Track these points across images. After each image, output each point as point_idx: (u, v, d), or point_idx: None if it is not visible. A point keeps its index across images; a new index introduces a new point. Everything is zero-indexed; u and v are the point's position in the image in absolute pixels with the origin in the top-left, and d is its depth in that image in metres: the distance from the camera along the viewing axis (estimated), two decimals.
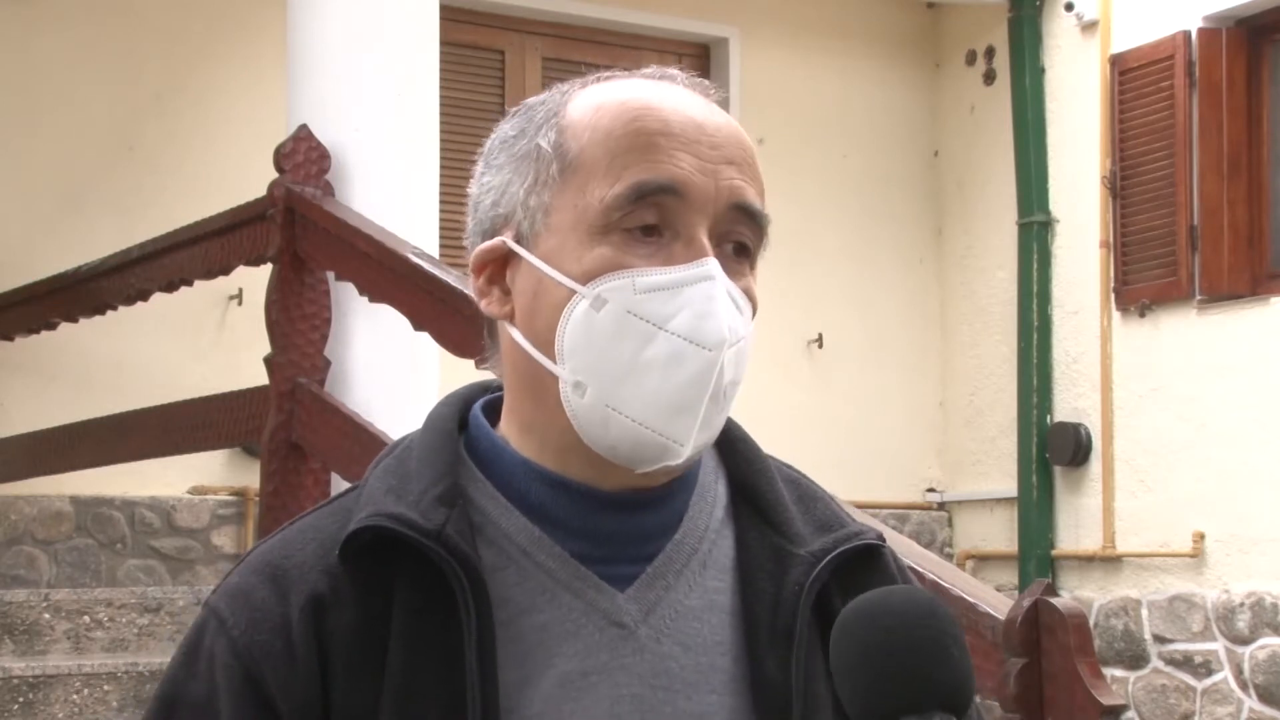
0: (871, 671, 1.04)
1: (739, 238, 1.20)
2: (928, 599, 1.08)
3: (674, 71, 1.24)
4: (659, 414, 1.15)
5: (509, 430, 1.24)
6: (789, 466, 1.33)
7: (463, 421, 1.27)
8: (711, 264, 1.16)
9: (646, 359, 1.15)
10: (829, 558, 1.22)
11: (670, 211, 1.17)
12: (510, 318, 1.22)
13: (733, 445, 1.29)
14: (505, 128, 1.25)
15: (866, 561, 1.26)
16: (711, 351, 1.15)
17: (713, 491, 1.26)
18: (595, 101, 1.20)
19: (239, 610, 1.17)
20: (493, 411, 1.28)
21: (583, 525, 1.20)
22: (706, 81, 1.25)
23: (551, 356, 1.18)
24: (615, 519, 1.20)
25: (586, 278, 1.16)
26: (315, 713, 1.14)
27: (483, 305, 1.24)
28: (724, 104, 1.24)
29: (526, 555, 1.19)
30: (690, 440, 1.16)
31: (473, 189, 1.26)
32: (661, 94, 1.20)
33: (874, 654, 1.04)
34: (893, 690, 1.03)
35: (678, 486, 1.23)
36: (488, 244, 1.23)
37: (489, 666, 1.14)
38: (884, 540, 1.29)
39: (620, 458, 1.17)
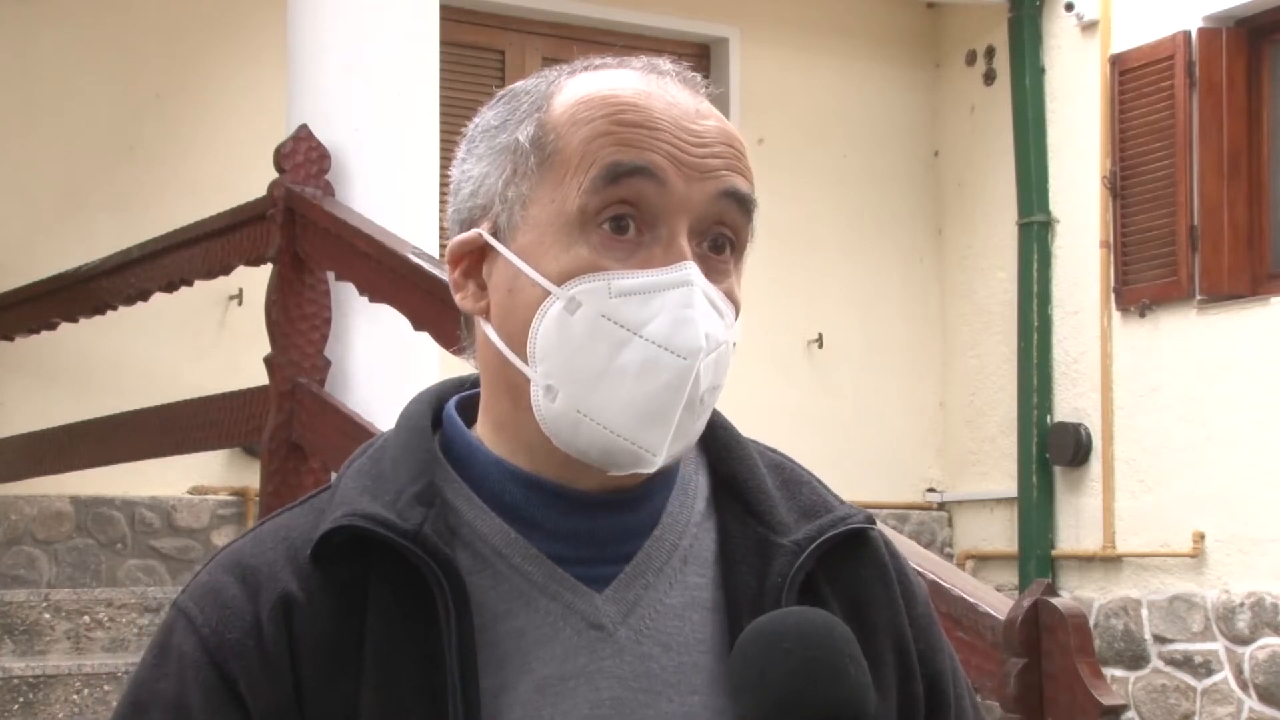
0: (771, 692, 1.05)
1: (724, 231, 1.16)
2: (824, 619, 1.09)
3: (665, 65, 1.20)
4: (631, 422, 1.12)
5: (484, 428, 1.22)
6: (773, 450, 1.29)
7: (437, 420, 1.25)
8: (690, 268, 1.13)
9: (620, 365, 1.12)
10: (813, 547, 1.19)
11: (648, 202, 1.13)
12: (485, 313, 1.19)
13: (713, 433, 1.25)
14: (489, 115, 1.22)
15: (854, 547, 1.24)
16: (687, 360, 1.12)
17: (694, 484, 1.24)
18: (577, 95, 1.17)
19: (209, 609, 1.15)
20: (466, 409, 1.25)
21: (559, 526, 1.17)
22: (699, 77, 1.21)
23: (524, 357, 1.15)
24: (592, 519, 1.18)
25: (562, 278, 1.13)
26: (289, 714, 1.11)
27: (458, 299, 1.21)
28: (718, 100, 1.21)
29: (501, 558, 1.16)
30: (663, 450, 1.13)
31: (454, 173, 1.23)
32: (649, 88, 1.16)
33: (773, 675, 1.06)
34: (792, 711, 1.05)
35: (657, 483, 1.19)
36: (464, 236, 1.20)
37: (470, 670, 1.11)
38: (873, 523, 1.25)
39: (592, 462, 1.15)
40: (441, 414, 1.25)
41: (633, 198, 1.13)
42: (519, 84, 1.22)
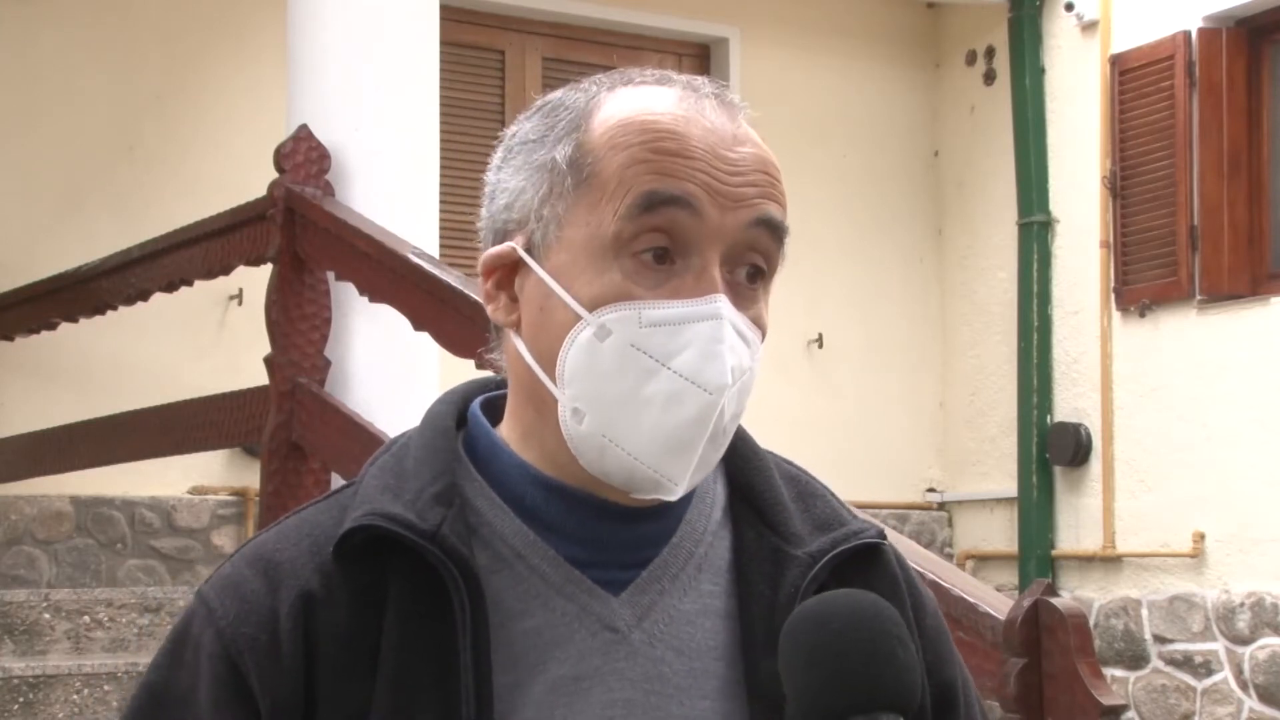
0: (819, 672, 1.05)
1: (755, 260, 1.17)
2: (871, 600, 1.09)
3: (705, 86, 1.20)
4: (655, 451, 1.14)
5: (510, 432, 1.23)
6: (789, 463, 1.31)
7: (461, 419, 1.26)
8: (720, 301, 1.14)
9: (647, 395, 1.13)
10: (826, 559, 1.21)
11: (683, 231, 1.14)
12: (516, 326, 1.20)
13: (732, 444, 1.26)
14: (527, 126, 1.22)
15: (866, 561, 1.25)
16: (713, 395, 1.13)
17: (712, 492, 1.25)
18: (616, 118, 1.17)
19: (228, 601, 1.16)
20: (491, 410, 1.26)
21: (578, 530, 1.19)
22: (737, 99, 1.22)
23: (553, 376, 1.16)
24: (611, 526, 1.19)
25: (593, 304, 1.14)
26: (297, 711, 1.12)
27: (489, 310, 1.22)
28: (754, 122, 1.21)
29: (520, 558, 1.18)
30: (685, 479, 1.15)
31: (490, 177, 1.24)
32: (687, 113, 1.17)
33: (821, 655, 1.06)
34: (840, 691, 1.04)
35: None
36: (497, 249, 1.21)
37: (484, 668, 1.13)
38: (885, 538, 1.27)
39: (616, 484, 1.16)
40: (467, 413, 1.26)
41: (667, 226, 1.14)
42: (558, 95, 1.22)
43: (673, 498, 1.16)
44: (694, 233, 1.14)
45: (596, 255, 1.15)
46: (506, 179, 1.21)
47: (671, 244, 1.14)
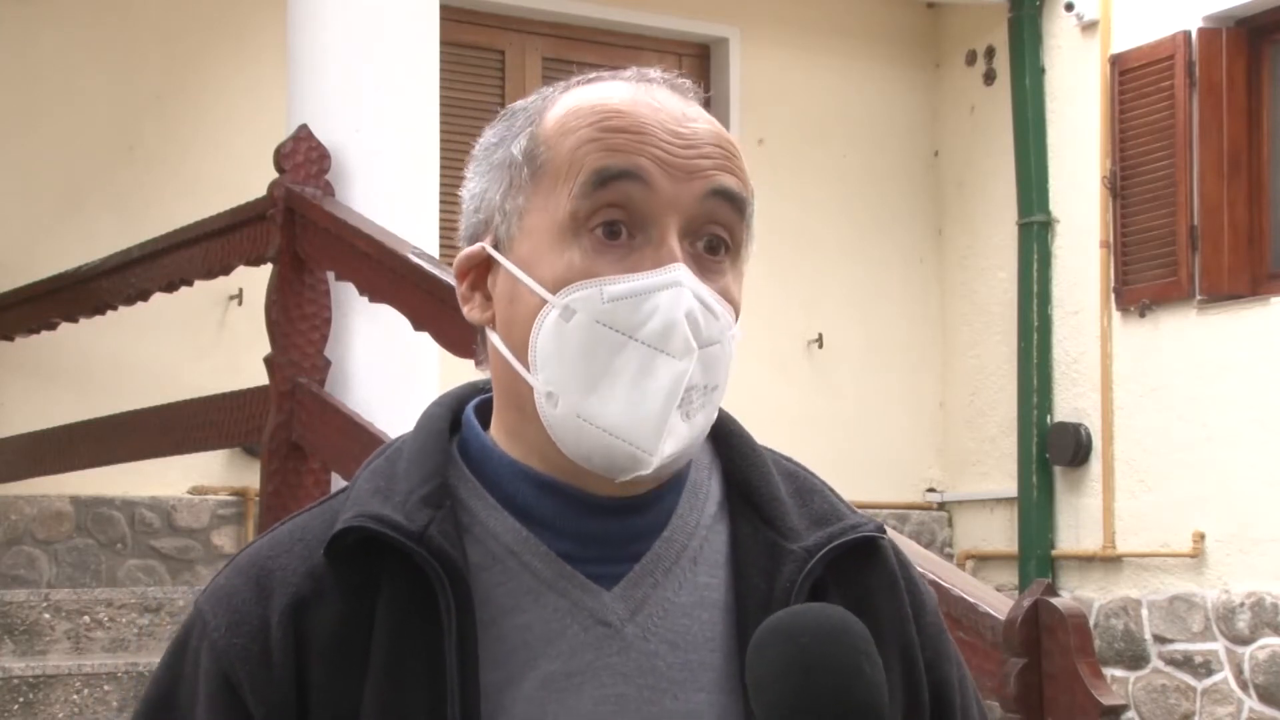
0: (786, 687, 1.06)
1: (717, 231, 1.18)
2: (840, 615, 1.10)
3: (654, 73, 1.23)
4: (628, 424, 1.14)
5: (497, 432, 1.24)
6: (787, 459, 1.31)
7: (457, 422, 1.27)
8: (679, 269, 1.15)
9: (616, 368, 1.14)
10: (822, 552, 1.21)
11: (637, 205, 1.16)
12: (492, 324, 1.23)
13: (727, 440, 1.27)
14: (489, 134, 1.25)
15: (864, 555, 1.25)
16: (680, 360, 1.14)
17: (705, 488, 1.25)
18: (567, 107, 1.20)
19: (221, 613, 1.18)
20: (485, 412, 1.27)
21: (570, 527, 1.19)
22: (688, 82, 1.24)
23: (527, 365, 1.18)
24: (603, 522, 1.20)
25: (556, 285, 1.16)
26: (290, 715, 1.14)
27: (465, 311, 1.25)
28: (719, 100, 1.24)
29: (513, 555, 1.18)
30: (658, 449, 1.15)
31: (462, 193, 1.27)
32: (636, 95, 1.20)
33: (789, 670, 1.07)
34: (806, 706, 1.05)
35: (668, 487, 1.22)
36: (468, 250, 1.24)
37: (470, 667, 1.13)
38: (883, 533, 1.27)
39: (595, 468, 1.16)
40: (461, 416, 1.27)
41: (621, 201, 1.16)
42: (518, 102, 1.26)
43: (647, 471, 1.15)
44: (648, 206, 1.16)
45: (557, 238, 1.17)
46: (474, 186, 1.25)
47: (628, 218, 1.16)
